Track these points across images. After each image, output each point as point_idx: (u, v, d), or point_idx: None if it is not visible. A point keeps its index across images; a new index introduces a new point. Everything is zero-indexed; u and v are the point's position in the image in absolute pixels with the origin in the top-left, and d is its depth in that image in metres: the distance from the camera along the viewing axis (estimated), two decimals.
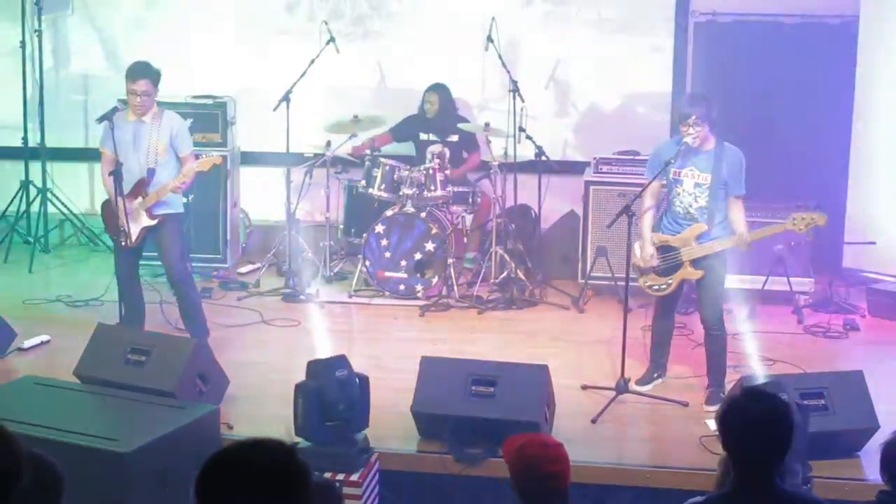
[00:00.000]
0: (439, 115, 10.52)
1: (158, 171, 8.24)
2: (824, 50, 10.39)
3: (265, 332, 9.07)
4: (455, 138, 10.42)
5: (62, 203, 11.10)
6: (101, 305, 9.31)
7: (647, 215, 7.70)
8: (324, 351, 7.23)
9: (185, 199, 8.74)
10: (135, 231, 8.23)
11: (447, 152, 10.02)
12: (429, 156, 9.94)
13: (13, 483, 2.92)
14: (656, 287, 7.75)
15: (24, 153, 11.08)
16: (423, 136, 10.58)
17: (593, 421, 7.37)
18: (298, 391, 6.55)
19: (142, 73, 8.18)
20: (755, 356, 8.31)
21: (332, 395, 6.48)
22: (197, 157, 8.41)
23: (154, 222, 8.26)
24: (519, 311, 9.63)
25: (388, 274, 9.76)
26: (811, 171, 10.29)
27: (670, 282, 7.67)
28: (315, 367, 6.62)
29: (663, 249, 7.66)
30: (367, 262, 9.77)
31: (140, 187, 8.23)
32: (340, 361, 6.65)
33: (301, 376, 6.61)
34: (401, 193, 9.74)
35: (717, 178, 7.44)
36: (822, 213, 7.63)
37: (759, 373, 7.59)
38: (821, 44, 10.43)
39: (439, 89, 10.56)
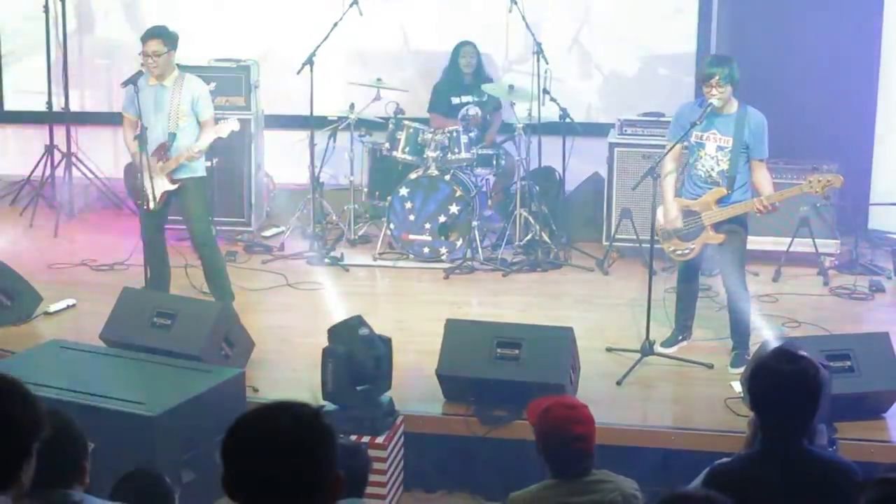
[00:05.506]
0: (474, 72, 10.42)
1: (179, 135, 8.20)
2: (849, 6, 10.28)
3: (290, 296, 9.08)
4: (485, 98, 10.37)
5: (87, 167, 11.11)
6: (127, 269, 9.29)
7: (669, 179, 7.65)
8: (344, 314, 7.20)
9: (208, 163, 8.73)
10: (156, 195, 8.22)
11: (479, 112, 9.96)
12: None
13: (37, 433, 2.92)
14: (680, 252, 7.73)
15: (48, 118, 11.09)
16: (455, 101, 10.49)
17: (618, 383, 7.38)
18: (328, 356, 6.55)
19: (152, 34, 8.15)
20: (780, 318, 8.31)
21: (361, 355, 6.51)
22: (217, 122, 8.39)
23: (175, 187, 8.24)
24: (543, 274, 9.60)
25: (412, 237, 9.74)
26: (837, 130, 10.19)
27: (693, 246, 7.64)
28: (338, 331, 6.63)
29: (685, 214, 7.62)
30: (392, 225, 9.76)
31: (161, 151, 8.21)
32: (359, 320, 6.67)
33: (326, 340, 6.63)
34: (425, 156, 9.69)
35: (738, 142, 7.40)
36: (838, 174, 7.60)
37: (785, 335, 7.58)
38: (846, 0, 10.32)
39: (473, 44, 10.45)
